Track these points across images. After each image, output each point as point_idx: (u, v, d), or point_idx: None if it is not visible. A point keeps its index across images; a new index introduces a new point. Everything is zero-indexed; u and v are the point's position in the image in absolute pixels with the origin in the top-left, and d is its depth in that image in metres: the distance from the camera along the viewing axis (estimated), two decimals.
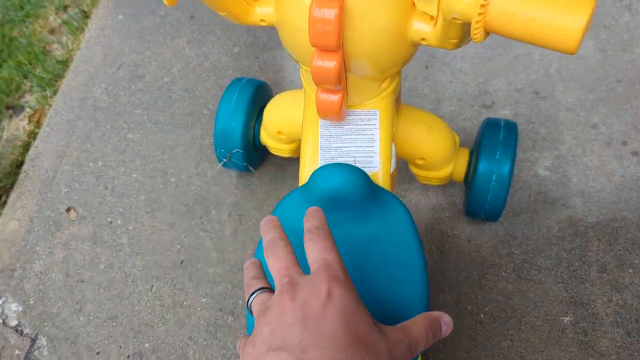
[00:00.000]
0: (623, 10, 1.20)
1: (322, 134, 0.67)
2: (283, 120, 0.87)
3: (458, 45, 0.56)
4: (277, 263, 0.45)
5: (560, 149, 1.03)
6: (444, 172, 0.88)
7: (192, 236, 1.02)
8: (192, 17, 1.33)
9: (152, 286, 0.97)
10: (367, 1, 0.53)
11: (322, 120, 0.68)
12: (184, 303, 0.95)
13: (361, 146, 0.66)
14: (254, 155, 1.00)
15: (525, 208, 0.98)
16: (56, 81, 1.29)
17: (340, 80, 0.58)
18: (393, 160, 0.69)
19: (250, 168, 1.00)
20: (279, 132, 0.89)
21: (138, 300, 0.96)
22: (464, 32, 0.54)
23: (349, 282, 0.44)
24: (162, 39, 1.30)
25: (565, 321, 0.87)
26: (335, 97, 0.60)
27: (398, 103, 0.77)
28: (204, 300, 0.95)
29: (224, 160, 0.97)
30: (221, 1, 0.60)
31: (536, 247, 0.94)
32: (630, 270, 0.90)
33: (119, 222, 1.05)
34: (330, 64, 0.55)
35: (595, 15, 1.19)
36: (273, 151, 0.96)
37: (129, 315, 0.95)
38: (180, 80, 1.23)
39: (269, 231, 0.49)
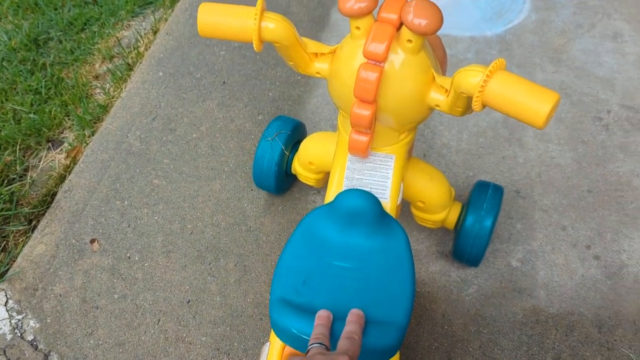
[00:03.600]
0: (601, 130, 1.37)
1: (349, 167, 0.86)
2: (316, 153, 1.05)
3: (463, 113, 0.75)
4: (320, 330, 0.63)
5: (532, 244, 1.18)
6: (438, 217, 1.04)
7: (201, 279, 1.14)
8: (224, 82, 1.50)
9: (159, 320, 1.09)
10: (401, 73, 0.73)
11: (350, 156, 0.87)
12: (186, 339, 1.06)
13: (377, 180, 0.85)
14: (284, 180, 1.18)
15: (496, 293, 1.11)
16: (95, 123, 1.45)
17: (370, 126, 0.77)
18: (400, 195, 0.88)
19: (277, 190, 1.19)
20: (310, 162, 1.06)
21: (145, 332, 1.07)
22: (468, 104, 0.73)
23: None
24: (195, 98, 1.47)
25: None
26: (364, 138, 0.80)
27: (410, 153, 0.97)
28: (204, 338, 1.06)
29: (269, 139, 1.12)
30: (292, 54, 0.78)
31: (501, 329, 1.07)
32: None
33: (137, 258, 1.17)
34: (366, 112, 0.75)
35: (576, 130, 1.37)
36: (301, 178, 1.13)
37: (135, 344, 1.06)
38: (207, 137, 1.38)
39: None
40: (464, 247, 1.05)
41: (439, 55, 0.82)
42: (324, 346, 0.60)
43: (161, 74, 1.53)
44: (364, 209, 0.74)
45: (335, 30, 1.63)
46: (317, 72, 0.83)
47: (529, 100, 0.62)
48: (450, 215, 1.06)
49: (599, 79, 1.47)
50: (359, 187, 0.84)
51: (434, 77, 0.75)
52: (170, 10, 1.73)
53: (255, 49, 0.75)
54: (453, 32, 1.59)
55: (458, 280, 1.13)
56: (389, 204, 0.84)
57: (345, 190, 0.77)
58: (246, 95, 1.47)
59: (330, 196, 0.86)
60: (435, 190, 1.01)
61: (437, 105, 0.76)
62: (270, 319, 0.70)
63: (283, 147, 1.11)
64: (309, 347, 0.60)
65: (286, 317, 0.68)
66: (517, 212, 1.23)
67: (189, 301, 1.11)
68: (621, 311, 1.08)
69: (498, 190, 1.06)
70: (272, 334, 0.78)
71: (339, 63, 0.78)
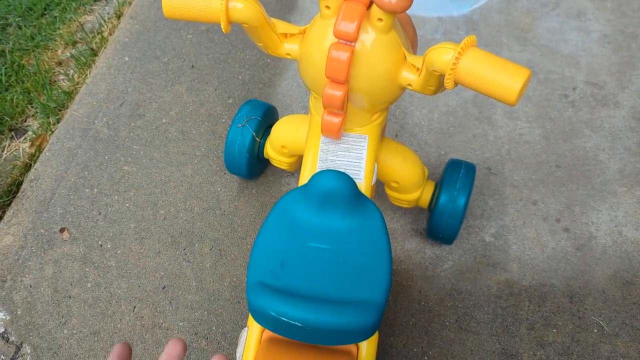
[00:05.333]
0: (567, 106, 1.40)
1: (322, 149, 0.85)
2: (288, 136, 1.04)
3: (435, 92, 0.75)
4: None
5: (504, 219, 1.20)
6: (412, 196, 1.05)
7: (176, 265, 1.12)
8: (192, 66, 1.47)
9: (135, 307, 1.07)
10: (372, 52, 0.72)
11: (323, 138, 0.86)
12: (163, 325, 1.05)
13: (351, 161, 0.85)
14: (256, 165, 1.17)
15: (471, 268, 1.13)
16: (60, 110, 1.41)
17: (343, 107, 0.76)
18: (374, 176, 0.88)
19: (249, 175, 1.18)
20: (282, 146, 1.05)
21: (120, 319, 1.06)
22: (440, 82, 0.73)
23: None
24: (164, 83, 1.44)
25: None
26: (337, 120, 0.79)
27: (383, 134, 0.96)
28: (181, 323, 1.05)
29: (239, 125, 1.11)
30: (261, 35, 0.77)
31: (477, 303, 1.08)
32: (554, 330, 1.05)
33: (109, 245, 1.15)
34: (338, 93, 0.74)
35: (543, 108, 1.39)
36: (274, 162, 1.12)
37: (110, 332, 1.04)
38: (177, 122, 1.36)
39: None
40: (438, 225, 1.07)
41: (409, 34, 0.81)
42: None
43: (127, 59, 1.49)
44: (339, 189, 0.74)
45: (305, 12, 1.61)
46: (287, 54, 0.81)
47: (501, 77, 0.62)
48: (424, 194, 1.07)
49: (565, 57, 1.50)
50: (333, 169, 0.83)
51: (405, 56, 0.75)
52: None
53: (223, 29, 0.74)
54: (421, 12, 1.60)
55: (433, 257, 1.14)
56: (364, 185, 0.84)
57: (320, 172, 0.77)
58: (215, 78, 1.45)
59: (304, 178, 0.85)
60: (409, 170, 1.01)
61: (409, 85, 0.76)
62: (248, 303, 0.69)
63: (254, 134, 1.10)
64: None
65: (264, 300, 0.68)
66: (489, 188, 1.25)
67: (164, 287, 1.10)
68: (591, 281, 1.11)
69: (470, 168, 1.08)
70: (250, 319, 0.78)
71: (309, 44, 0.77)
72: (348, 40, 0.71)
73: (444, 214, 1.04)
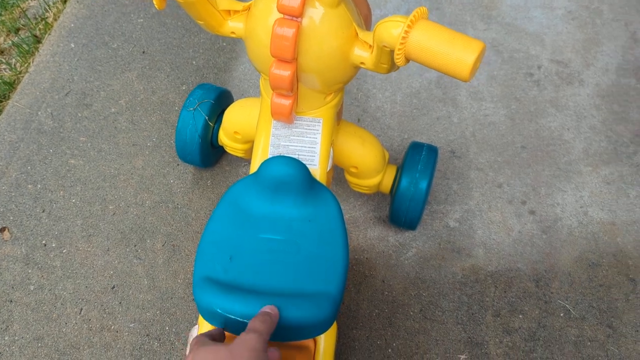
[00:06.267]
0: (532, 85, 1.37)
1: (274, 134, 0.80)
2: (240, 122, 0.98)
3: (389, 70, 0.70)
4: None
5: (469, 203, 1.16)
6: (373, 181, 1.00)
7: (126, 263, 1.06)
8: (144, 52, 1.40)
9: (82, 309, 1.01)
10: (320, 28, 0.67)
11: (275, 122, 0.80)
12: (112, 327, 0.99)
13: (305, 147, 0.80)
14: (210, 153, 1.11)
15: (435, 255, 1.09)
16: (1, 102, 1.32)
17: (292, 88, 0.71)
18: (330, 161, 0.83)
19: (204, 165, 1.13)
20: (235, 132, 0.99)
21: (66, 323, 0.99)
22: (393, 59, 0.67)
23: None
24: (113, 70, 1.36)
25: (461, 359, 0.98)
26: (287, 102, 0.74)
27: (339, 116, 0.91)
28: (131, 325, 0.99)
29: (191, 109, 1.05)
30: (200, 12, 0.70)
31: (441, 291, 1.05)
32: (520, 316, 1.02)
33: (54, 244, 1.08)
34: (285, 72, 0.68)
35: (508, 87, 1.35)
36: (228, 150, 1.06)
37: (55, 337, 0.98)
38: (127, 111, 1.28)
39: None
40: (400, 210, 1.02)
41: (362, 9, 0.76)
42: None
43: (73, 46, 1.41)
44: (290, 176, 0.69)
45: None
46: (232, 32, 0.75)
47: (453, 50, 0.58)
48: (385, 179, 1.02)
49: (529, 35, 1.46)
50: (285, 155, 0.78)
51: (357, 33, 0.70)
52: None
53: (156, 6, 0.67)
54: None
55: (397, 245, 1.10)
56: (319, 171, 0.80)
57: (270, 158, 0.72)
58: (168, 64, 1.38)
59: (255, 165, 0.80)
60: (368, 154, 0.96)
61: (361, 63, 0.71)
62: (195, 301, 0.64)
63: (207, 117, 1.04)
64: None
65: (211, 296, 0.63)
66: (453, 172, 1.21)
67: (113, 287, 1.03)
68: (557, 264, 1.09)
69: (432, 150, 1.03)
70: (201, 316, 0.73)
71: (254, 20, 0.71)
72: (293, 16, 0.65)
73: (406, 198, 1.00)
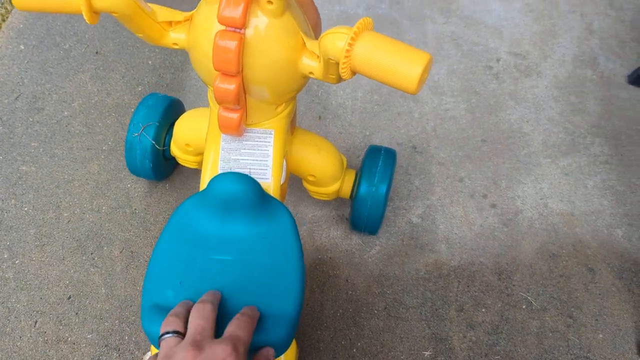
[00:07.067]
0: (491, 78, 1.37)
1: (223, 147, 0.76)
2: (191, 134, 0.95)
3: (337, 80, 0.68)
4: (199, 320, 0.51)
5: (431, 199, 1.16)
6: (331, 189, 0.99)
7: (82, 271, 1.03)
8: (97, 52, 1.36)
9: (36, 322, 0.97)
10: (266, 38, 0.63)
11: (224, 135, 0.77)
12: (69, 339, 0.96)
13: (257, 160, 0.76)
14: (162, 165, 1.08)
15: (399, 251, 1.09)
16: None
17: (239, 101, 0.67)
18: (283, 174, 0.80)
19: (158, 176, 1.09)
20: (187, 145, 0.96)
21: (20, 336, 0.96)
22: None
23: (244, 357, 0.51)
24: (65, 72, 1.32)
25: (426, 355, 0.98)
26: (234, 115, 0.70)
27: (293, 125, 0.88)
28: (89, 336, 0.96)
29: (135, 134, 1.01)
30: (139, 24, 0.67)
31: (405, 288, 1.05)
32: (483, 310, 1.03)
33: (6, 255, 1.04)
34: (230, 86, 0.65)
35: (468, 81, 1.36)
36: (181, 162, 1.03)
37: (8, 352, 0.94)
38: (81, 115, 1.24)
39: (209, 294, 0.57)
40: (360, 218, 1.01)
41: (310, 16, 0.73)
42: (177, 334, 0.51)
43: (22, 47, 1.36)
44: (240, 194, 0.66)
45: None
46: (174, 44, 0.71)
47: (399, 63, 0.55)
48: (344, 184, 1.01)
49: (488, 28, 1.47)
50: (236, 169, 0.76)
51: (304, 41, 0.67)
52: None
53: (87, 21, 0.63)
54: None
55: (360, 243, 1.10)
56: (272, 185, 0.76)
57: (219, 175, 0.68)
58: (123, 65, 1.34)
59: (204, 181, 0.76)
60: (325, 162, 0.94)
61: (310, 73, 0.68)
62: (144, 329, 0.61)
63: (153, 142, 1.00)
64: (160, 340, 0.52)
65: (159, 326, 0.58)
66: (415, 168, 1.21)
67: (69, 297, 1.00)
68: (518, 256, 1.10)
69: (390, 154, 1.02)
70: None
71: (197, 31, 0.67)
72: (235, 27, 0.62)
73: (365, 206, 0.99)
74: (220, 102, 0.68)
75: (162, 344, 0.51)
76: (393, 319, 1.01)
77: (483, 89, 1.35)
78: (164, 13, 0.69)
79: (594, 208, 1.16)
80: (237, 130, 0.72)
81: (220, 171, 0.76)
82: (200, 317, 0.52)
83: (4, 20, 1.42)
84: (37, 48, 1.36)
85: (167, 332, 0.51)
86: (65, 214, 1.10)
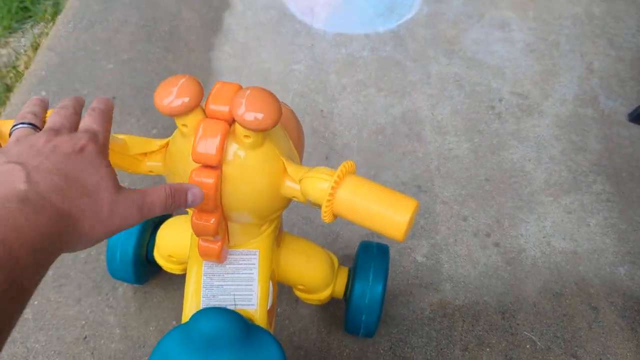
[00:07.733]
0: (494, 118, 1.41)
1: (205, 272, 0.72)
2: (173, 245, 0.93)
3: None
4: (58, 118, 0.46)
5: (435, 238, 1.19)
6: (323, 295, 0.95)
7: (98, 312, 1.07)
8: (114, 97, 1.42)
9: None
10: (245, 168, 0.59)
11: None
12: None
13: (241, 285, 0.72)
14: (146, 269, 1.06)
15: (404, 291, 1.12)
16: None
17: (218, 233, 0.62)
18: (270, 298, 0.75)
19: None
20: (170, 255, 0.95)
21: None
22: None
23: (105, 149, 0.46)
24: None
25: None
26: (215, 246, 0.66)
27: (279, 238, 0.82)
28: None
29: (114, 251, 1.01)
30: (114, 159, 0.60)
31: (410, 327, 1.07)
32: (488, 349, 1.05)
33: None
34: (208, 222, 0.60)
35: (471, 121, 1.40)
36: (165, 269, 1.00)
37: None
38: None
39: (71, 99, 0.51)
40: (355, 321, 0.96)
41: (293, 136, 0.69)
42: (32, 126, 0.45)
43: (44, 94, 1.43)
44: (223, 331, 0.63)
45: (230, 34, 1.58)
46: (150, 171, 0.67)
47: (385, 210, 0.52)
48: (337, 285, 0.97)
49: (490, 68, 1.52)
50: (219, 296, 0.72)
51: (286, 166, 0.62)
52: (52, 24, 1.62)
53: None
54: (347, 31, 1.59)
55: None
56: (258, 311, 0.72)
57: (200, 311, 0.66)
58: (138, 109, 1.40)
59: (186, 312, 0.72)
60: (315, 270, 0.91)
61: (294, 197, 0.63)
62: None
63: (134, 259, 1.01)
64: (11, 130, 0.45)
65: None
66: (420, 207, 1.24)
67: (85, 337, 1.04)
68: (522, 295, 1.12)
69: (382, 250, 0.99)
70: None
71: (173, 160, 0.63)
72: (210, 165, 0.57)
73: (361, 310, 0.94)
74: (198, 235, 0.64)
75: (15, 132, 0.45)
76: (399, 359, 1.03)
77: (486, 129, 1.39)
78: (137, 144, 0.63)
79: (597, 246, 1.18)
80: (218, 258, 0.68)
81: (203, 300, 0.72)
82: (60, 116, 0.47)
83: (26, 68, 1.50)
84: (57, 94, 1.43)
85: (22, 123, 0.46)
86: (82, 255, 1.14)
